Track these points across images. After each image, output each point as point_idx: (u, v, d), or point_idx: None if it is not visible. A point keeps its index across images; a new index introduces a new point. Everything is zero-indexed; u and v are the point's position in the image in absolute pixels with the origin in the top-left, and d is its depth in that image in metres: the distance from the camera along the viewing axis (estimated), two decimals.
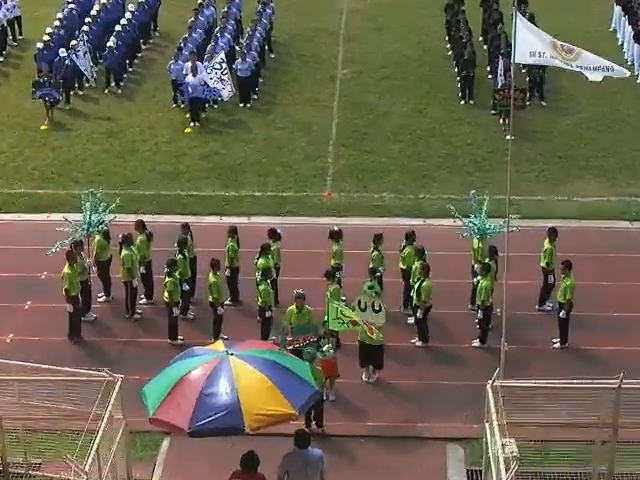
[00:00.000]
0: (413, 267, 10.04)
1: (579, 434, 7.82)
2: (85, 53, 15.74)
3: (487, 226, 10.27)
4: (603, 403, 7.63)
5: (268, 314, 9.83)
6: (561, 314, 9.73)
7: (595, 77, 8.04)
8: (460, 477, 8.29)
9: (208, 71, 15.04)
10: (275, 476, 7.25)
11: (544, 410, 7.60)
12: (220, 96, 15.22)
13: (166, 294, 9.85)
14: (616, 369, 7.84)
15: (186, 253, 10.26)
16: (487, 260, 10.05)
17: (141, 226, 10.69)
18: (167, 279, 9.82)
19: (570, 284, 9.60)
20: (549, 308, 10.40)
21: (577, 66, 7.99)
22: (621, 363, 8.86)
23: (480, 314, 9.84)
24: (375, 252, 10.34)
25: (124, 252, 10.27)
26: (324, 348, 8.80)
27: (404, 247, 10.34)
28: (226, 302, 10.30)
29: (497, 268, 10.04)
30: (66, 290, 9.91)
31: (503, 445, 6.98)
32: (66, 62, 15.60)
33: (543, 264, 10.27)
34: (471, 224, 10.33)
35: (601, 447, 7.78)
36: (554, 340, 9.95)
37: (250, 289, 10.26)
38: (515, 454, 6.90)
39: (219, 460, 8.11)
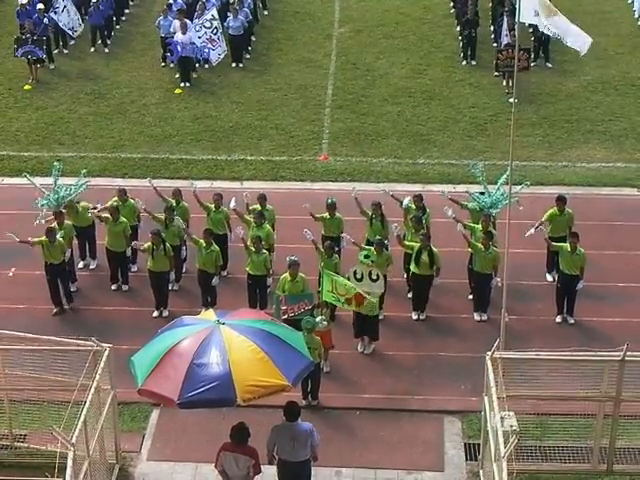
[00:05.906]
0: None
1: (581, 407, 7.67)
2: (64, 8, 15.01)
3: (497, 198, 9.86)
4: (606, 376, 7.43)
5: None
6: (579, 286, 9.35)
7: (572, 43, 7.78)
8: (457, 451, 8.14)
9: (197, 29, 14.40)
10: (265, 448, 7.13)
11: (545, 383, 7.43)
12: (209, 56, 14.60)
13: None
14: (620, 341, 7.64)
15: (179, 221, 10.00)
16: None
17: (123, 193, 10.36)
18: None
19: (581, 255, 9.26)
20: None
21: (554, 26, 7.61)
22: (625, 335, 8.67)
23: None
24: (374, 220, 10.02)
25: (118, 222, 10.02)
26: (317, 319, 8.52)
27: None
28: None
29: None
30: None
31: (502, 418, 6.86)
32: (44, 20, 14.93)
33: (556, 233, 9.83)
34: (483, 201, 9.91)
35: (603, 421, 7.63)
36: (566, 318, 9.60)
37: (240, 258, 9.94)
38: (514, 428, 6.78)
39: (209, 432, 7.97)
